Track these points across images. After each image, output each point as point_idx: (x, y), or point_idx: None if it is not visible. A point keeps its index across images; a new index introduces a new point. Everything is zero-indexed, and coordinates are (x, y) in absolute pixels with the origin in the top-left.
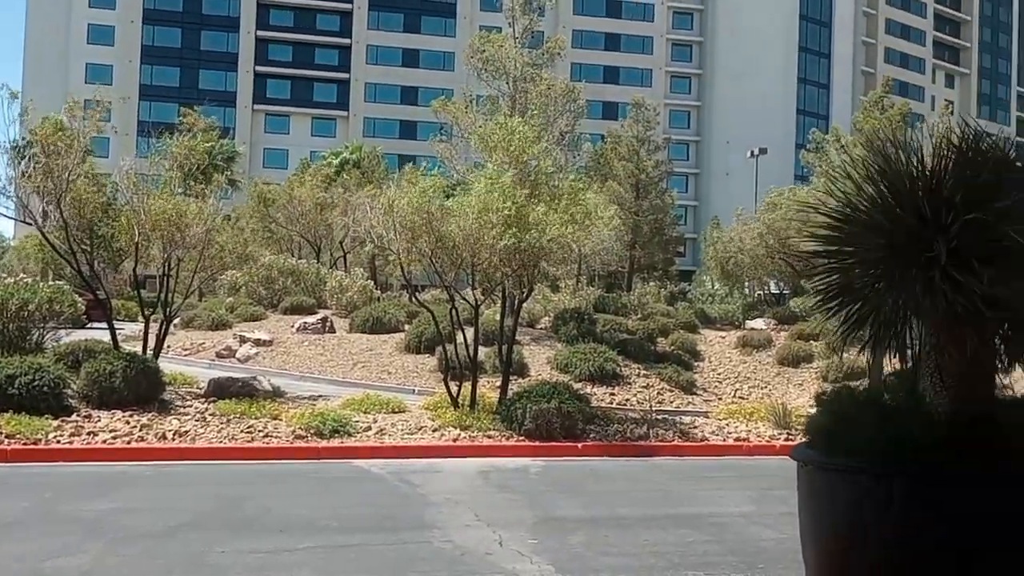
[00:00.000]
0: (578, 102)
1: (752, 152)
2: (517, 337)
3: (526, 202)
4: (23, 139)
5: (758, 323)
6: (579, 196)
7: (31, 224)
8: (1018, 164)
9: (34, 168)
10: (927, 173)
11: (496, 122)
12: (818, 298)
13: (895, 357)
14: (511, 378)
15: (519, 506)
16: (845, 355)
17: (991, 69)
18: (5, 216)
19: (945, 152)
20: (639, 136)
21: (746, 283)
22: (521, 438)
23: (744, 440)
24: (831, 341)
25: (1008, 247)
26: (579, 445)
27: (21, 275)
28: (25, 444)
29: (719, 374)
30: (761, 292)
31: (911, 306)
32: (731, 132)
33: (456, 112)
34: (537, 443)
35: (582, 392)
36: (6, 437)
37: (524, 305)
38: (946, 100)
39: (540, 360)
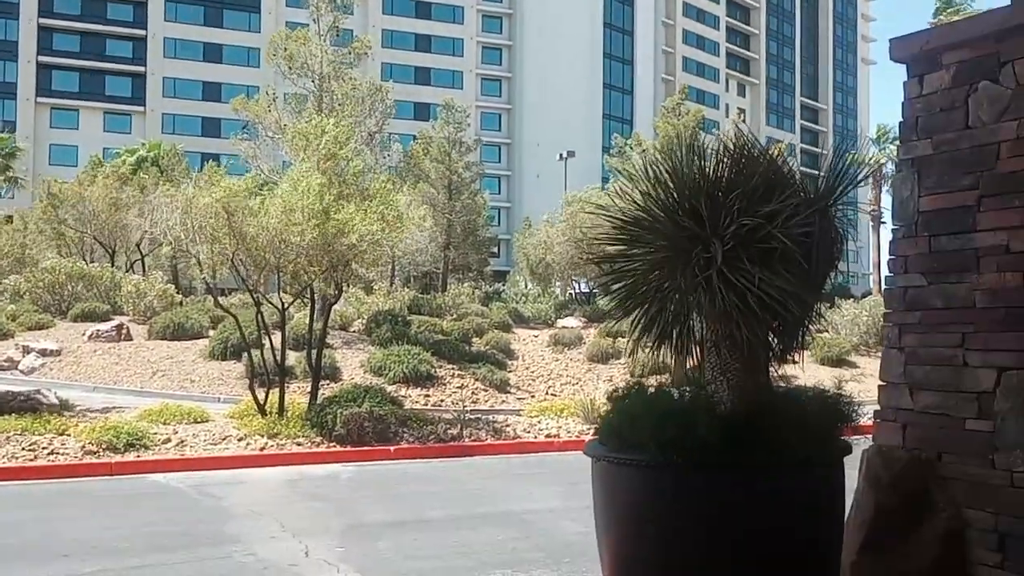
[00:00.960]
0: (386, 102)
1: (561, 155)
2: (329, 341)
3: (334, 201)
4: None
5: (569, 321)
6: (389, 196)
7: None
8: (785, 169)
9: None
10: (707, 178)
11: (306, 120)
12: (614, 299)
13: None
14: (323, 383)
15: (327, 514)
16: (643, 354)
17: (777, 80)
18: None
19: (722, 158)
20: (450, 138)
21: (556, 283)
22: (332, 444)
23: (555, 436)
24: (631, 339)
25: (776, 248)
26: (392, 448)
27: None
28: None
29: (532, 372)
30: (572, 291)
31: (693, 305)
32: (541, 135)
33: (258, 110)
34: (349, 448)
35: (396, 395)
36: None
37: (336, 308)
38: (739, 108)
39: (353, 363)
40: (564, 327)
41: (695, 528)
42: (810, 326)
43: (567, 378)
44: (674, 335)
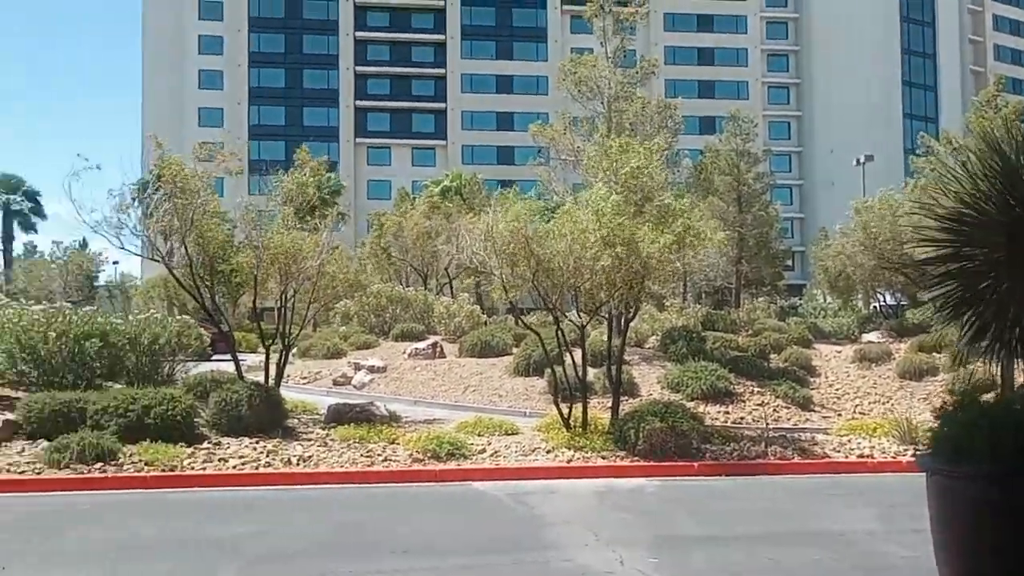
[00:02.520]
0: (675, 118)
1: (858, 160)
2: (625, 357)
3: (627, 221)
4: (146, 179)
5: (874, 336)
6: (687, 215)
7: (158, 261)
8: None
9: (164, 209)
10: None
11: (598, 141)
12: (936, 307)
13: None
14: (621, 398)
15: (637, 525)
16: (972, 366)
17: None
18: (133, 253)
19: None
20: (738, 149)
21: (858, 295)
22: (635, 458)
23: (867, 456)
24: (955, 352)
25: None
26: (695, 464)
27: (151, 311)
28: (163, 471)
29: (837, 390)
30: (876, 304)
31: None
32: (834, 140)
33: (553, 135)
34: (651, 463)
35: (695, 411)
36: (145, 464)
37: (631, 325)
38: None
39: (650, 380)
40: (869, 342)
41: None
42: None
43: (876, 396)
44: (1013, 341)
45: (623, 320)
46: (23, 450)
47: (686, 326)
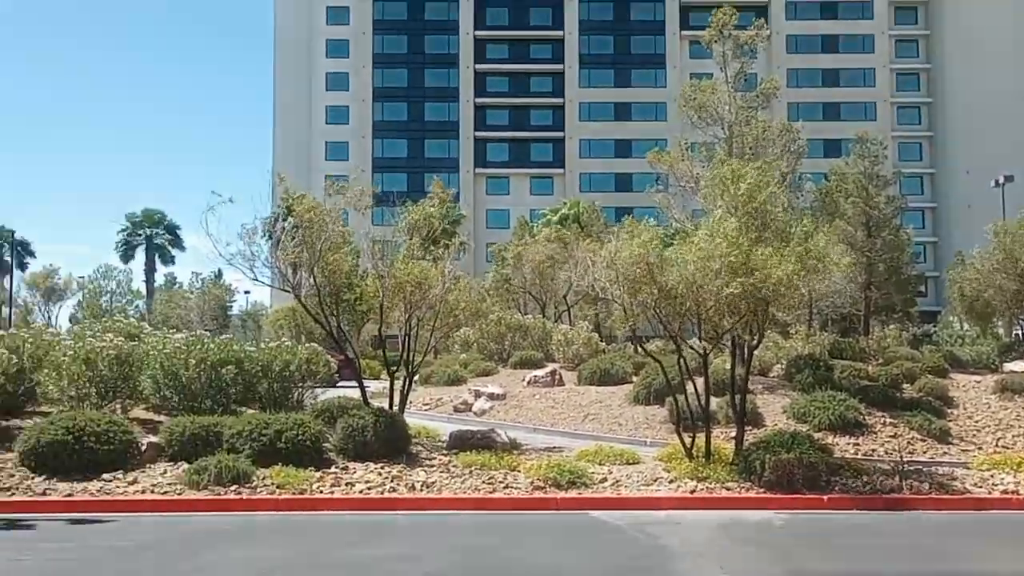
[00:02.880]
0: (798, 142)
1: (997, 181)
2: (749, 386)
3: (751, 247)
4: (277, 213)
5: (1017, 365)
6: (810, 239)
7: (288, 291)
8: None
9: (295, 241)
10: None
11: (717, 165)
12: None
13: None
14: (745, 428)
15: (767, 560)
16: None
17: None
18: (265, 284)
19: None
20: (866, 172)
21: (999, 322)
22: (761, 490)
23: (1012, 493)
24: None
25: None
26: (824, 497)
27: (282, 339)
28: (293, 494)
29: (976, 422)
30: (1019, 331)
31: None
32: (970, 161)
33: (672, 161)
34: (778, 495)
35: (823, 442)
36: (277, 487)
37: (754, 353)
38: None
39: (775, 409)
40: (1012, 371)
41: None
42: None
43: (1020, 429)
44: None
45: (747, 348)
46: (165, 472)
47: (812, 354)
